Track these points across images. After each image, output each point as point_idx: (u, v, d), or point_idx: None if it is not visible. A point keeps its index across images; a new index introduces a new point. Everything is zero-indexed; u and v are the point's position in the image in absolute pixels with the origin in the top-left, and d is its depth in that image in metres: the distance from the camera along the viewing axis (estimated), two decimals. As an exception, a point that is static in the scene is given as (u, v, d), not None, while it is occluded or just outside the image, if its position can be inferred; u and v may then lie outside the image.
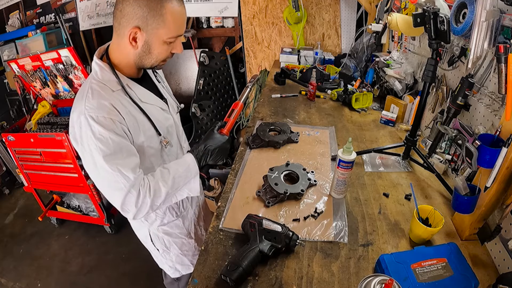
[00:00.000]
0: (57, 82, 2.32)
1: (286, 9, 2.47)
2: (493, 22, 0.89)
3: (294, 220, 1.00)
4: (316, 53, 2.33)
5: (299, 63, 2.36)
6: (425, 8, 1.02)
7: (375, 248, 0.91)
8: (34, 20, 3.27)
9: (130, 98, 0.94)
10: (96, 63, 0.93)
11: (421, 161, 1.19)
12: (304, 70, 2.10)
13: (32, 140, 2.05)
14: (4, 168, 2.95)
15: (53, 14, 3.14)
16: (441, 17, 0.98)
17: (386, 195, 1.10)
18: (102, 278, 2.14)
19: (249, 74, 2.93)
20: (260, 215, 0.97)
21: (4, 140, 2.14)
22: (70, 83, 2.30)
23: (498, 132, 0.84)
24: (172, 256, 1.31)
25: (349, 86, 1.90)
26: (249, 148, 1.36)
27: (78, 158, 2.01)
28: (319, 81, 1.98)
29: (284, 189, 1.06)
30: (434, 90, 1.31)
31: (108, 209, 2.34)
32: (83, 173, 2.09)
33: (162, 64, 0.97)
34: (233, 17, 2.84)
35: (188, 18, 2.86)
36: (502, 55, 0.82)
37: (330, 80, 2.05)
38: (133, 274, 2.15)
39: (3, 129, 2.27)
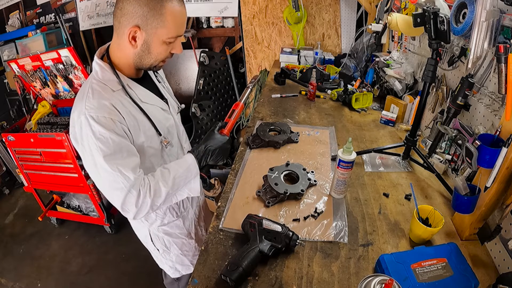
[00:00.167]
0: (57, 82, 2.32)
1: (286, 9, 2.47)
2: (493, 22, 0.89)
3: (294, 220, 1.00)
4: (316, 53, 2.33)
5: (299, 63, 2.36)
6: (425, 8, 1.02)
7: (375, 248, 0.91)
8: (34, 20, 3.27)
9: (131, 98, 0.94)
10: (97, 63, 0.93)
11: (421, 161, 1.19)
12: (304, 70, 2.10)
13: (32, 140, 2.05)
14: (4, 168, 2.95)
15: (53, 14, 3.14)
16: (441, 17, 0.98)
17: (386, 195, 1.10)
18: (102, 278, 2.14)
19: (249, 74, 2.93)
20: (260, 215, 0.97)
21: (4, 140, 2.14)
22: (70, 83, 2.30)
23: (498, 132, 0.84)
24: (172, 256, 1.31)
25: (349, 86, 1.90)
26: (249, 148, 1.36)
27: (78, 158, 2.01)
28: (319, 81, 1.98)
29: (284, 189, 1.06)
30: (434, 90, 1.31)
31: (108, 209, 2.34)
32: (83, 173, 2.09)
33: (162, 65, 0.97)
34: (233, 17, 2.84)
35: (188, 18, 2.86)
36: (502, 55, 0.82)
37: (330, 80, 2.05)
38: (133, 274, 2.15)
39: (3, 129, 2.27)
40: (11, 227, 2.64)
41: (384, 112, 1.59)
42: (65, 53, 2.15)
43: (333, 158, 1.29)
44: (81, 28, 3.06)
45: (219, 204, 1.06)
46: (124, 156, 0.88)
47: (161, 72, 1.17)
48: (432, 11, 0.99)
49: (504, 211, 0.78)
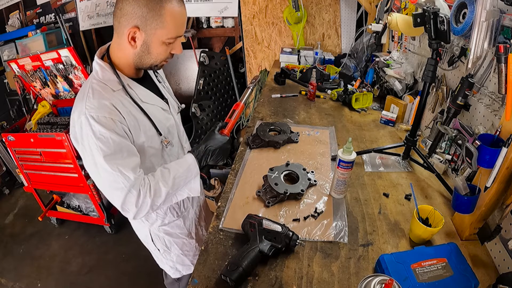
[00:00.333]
0: (57, 82, 2.32)
1: (286, 9, 2.47)
2: (493, 22, 0.89)
3: (294, 220, 1.00)
4: (316, 53, 2.33)
5: (299, 63, 2.36)
6: (425, 8, 1.02)
7: (375, 248, 0.91)
8: (34, 20, 3.27)
9: (131, 98, 0.94)
10: (97, 63, 0.93)
11: (421, 161, 1.19)
12: (304, 70, 2.10)
13: (32, 140, 2.05)
14: (4, 168, 2.95)
15: (53, 14, 3.14)
16: (441, 17, 0.98)
17: (386, 195, 1.10)
18: (102, 278, 2.14)
19: (249, 74, 2.93)
20: (260, 215, 0.97)
21: (4, 140, 2.14)
22: (70, 83, 2.30)
23: (498, 132, 0.84)
24: (173, 256, 1.31)
25: (349, 86, 1.90)
26: (249, 148, 1.36)
27: (78, 158, 2.01)
28: (319, 81, 1.98)
29: (284, 189, 1.06)
30: (434, 90, 1.31)
31: (108, 209, 2.34)
32: (83, 173, 2.09)
33: (163, 64, 0.97)
34: (233, 17, 2.84)
35: (188, 18, 2.86)
36: (502, 55, 0.82)
37: (330, 80, 2.05)
38: (133, 274, 2.15)
39: (3, 129, 2.27)
40: (11, 227, 2.64)
41: (384, 112, 1.59)
42: (65, 53, 2.15)
43: (333, 158, 1.29)
44: (81, 28, 3.06)
45: (219, 204, 1.06)
46: (124, 156, 0.88)
47: (161, 72, 1.17)
48: (432, 11, 0.99)
49: (504, 211, 0.78)
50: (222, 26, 2.92)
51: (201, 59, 2.76)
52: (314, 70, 1.87)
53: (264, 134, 1.38)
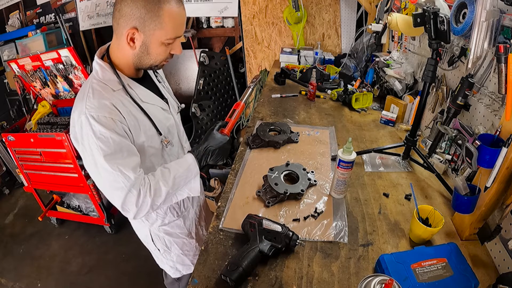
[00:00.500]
0: (57, 82, 2.32)
1: (286, 9, 2.47)
2: (493, 22, 0.89)
3: (294, 220, 1.00)
4: (316, 53, 2.33)
5: (299, 63, 2.36)
6: (425, 8, 1.02)
7: (375, 248, 0.91)
8: (34, 20, 3.27)
9: (131, 97, 0.94)
10: (97, 63, 0.93)
11: (421, 161, 1.19)
12: (304, 70, 2.10)
13: (32, 140, 2.05)
14: (4, 168, 2.95)
15: (53, 14, 3.14)
16: (441, 17, 0.98)
17: (386, 195, 1.10)
18: (102, 278, 2.14)
19: (249, 74, 2.93)
20: (260, 215, 0.97)
21: (4, 140, 2.14)
22: (70, 83, 2.30)
23: (498, 132, 0.84)
24: (173, 256, 1.31)
25: (349, 86, 1.90)
26: (249, 148, 1.36)
27: (78, 158, 2.01)
28: (319, 81, 1.98)
29: (284, 189, 1.06)
30: (434, 90, 1.31)
31: (108, 209, 2.34)
32: (83, 173, 2.09)
33: (162, 65, 0.97)
34: (233, 17, 2.84)
35: (188, 18, 2.86)
36: (502, 55, 0.82)
37: (330, 80, 2.05)
38: (133, 274, 2.15)
39: (3, 129, 2.27)
40: (11, 227, 2.64)
41: (384, 112, 1.59)
42: (65, 53, 2.15)
43: (333, 158, 1.29)
44: (81, 28, 3.06)
45: (219, 204, 1.06)
46: (124, 156, 0.88)
47: (161, 72, 1.17)
48: (432, 11, 0.99)
49: (504, 211, 0.78)
50: (222, 26, 2.92)
51: (201, 59, 2.76)
52: (314, 70, 1.87)
53: (264, 134, 1.39)
